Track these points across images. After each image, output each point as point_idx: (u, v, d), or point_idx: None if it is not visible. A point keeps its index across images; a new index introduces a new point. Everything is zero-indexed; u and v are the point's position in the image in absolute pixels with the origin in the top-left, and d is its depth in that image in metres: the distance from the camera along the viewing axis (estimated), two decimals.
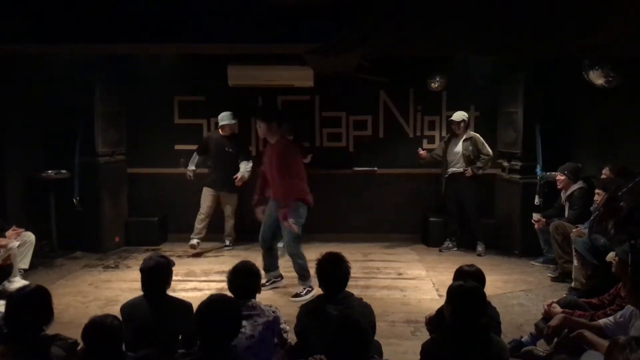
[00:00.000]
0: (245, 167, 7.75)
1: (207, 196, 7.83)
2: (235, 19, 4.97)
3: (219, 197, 7.89)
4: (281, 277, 6.38)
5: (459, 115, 7.62)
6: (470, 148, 7.58)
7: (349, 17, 4.29)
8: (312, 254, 7.18)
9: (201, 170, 8.04)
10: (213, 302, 3.09)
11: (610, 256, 4.65)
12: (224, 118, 7.77)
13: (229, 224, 8.01)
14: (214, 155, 7.85)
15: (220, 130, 7.84)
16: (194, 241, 7.72)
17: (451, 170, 7.69)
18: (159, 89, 8.36)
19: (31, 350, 3.04)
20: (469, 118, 7.77)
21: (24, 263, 6.21)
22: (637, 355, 2.43)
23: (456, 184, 7.70)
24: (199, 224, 7.79)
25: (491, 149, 7.93)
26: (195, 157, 7.96)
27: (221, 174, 7.78)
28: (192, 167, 7.92)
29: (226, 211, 7.97)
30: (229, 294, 3.58)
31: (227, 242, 8.01)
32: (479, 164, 7.55)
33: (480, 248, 7.72)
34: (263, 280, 5.54)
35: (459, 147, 7.64)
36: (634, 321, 3.48)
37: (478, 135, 7.68)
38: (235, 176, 7.66)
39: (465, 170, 7.55)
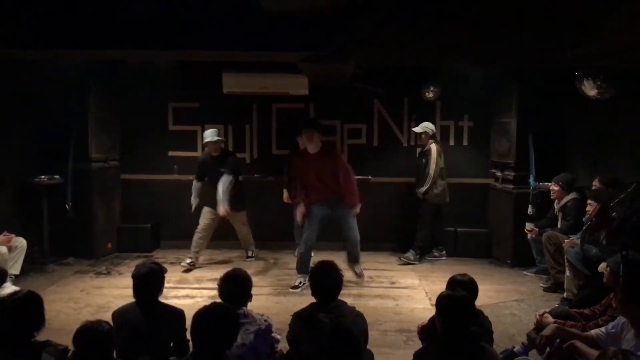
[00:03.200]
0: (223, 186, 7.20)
1: (206, 214, 7.41)
2: (230, 26, 4.98)
3: (225, 217, 7.39)
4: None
5: (420, 127, 7.69)
6: (423, 161, 7.65)
7: (343, 26, 4.31)
8: None
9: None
10: (211, 309, 3.08)
11: (602, 267, 4.67)
12: (207, 135, 7.32)
13: (245, 236, 7.75)
14: (211, 179, 7.33)
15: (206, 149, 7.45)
16: (188, 260, 7.30)
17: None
18: (153, 96, 8.36)
19: (21, 356, 3.02)
20: (433, 130, 7.72)
21: (15, 269, 6.18)
22: None
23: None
24: (198, 241, 7.43)
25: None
26: (196, 186, 7.47)
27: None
28: (196, 200, 7.40)
29: (237, 227, 7.69)
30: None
31: (250, 253, 7.81)
32: (420, 190, 7.62)
33: (409, 254, 7.78)
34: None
35: (421, 160, 7.76)
36: (626, 333, 3.48)
37: (434, 149, 7.61)
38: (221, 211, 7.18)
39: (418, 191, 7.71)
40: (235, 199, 7.34)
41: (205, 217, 7.43)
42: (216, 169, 7.27)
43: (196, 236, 7.40)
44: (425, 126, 7.68)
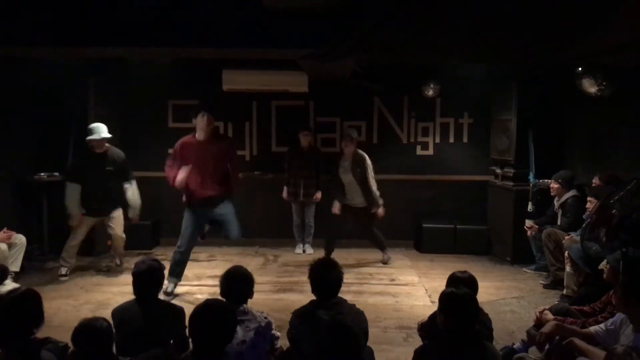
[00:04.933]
0: (134, 194, 6.90)
1: (86, 223, 6.85)
2: (230, 23, 4.97)
3: (101, 220, 6.97)
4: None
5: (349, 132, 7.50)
6: (359, 170, 7.24)
7: (343, 23, 4.31)
8: (306, 258, 7.25)
9: None
10: (209, 306, 3.08)
11: (603, 265, 4.67)
12: (96, 130, 6.61)
13: (121, 243, 7.10)
14: (93, 178, 6.68)
15: (95, 147, 6.66)
16: (64, 270, 6.76)
17: (351, 202, 7.36)
18: (153, 93, 8.36)
19: (21, 353, 3.02)
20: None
21: (15, 266, 6.17)
22: None
23: (352, 210, 7.43)
24: (74, 250, 6.88)
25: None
26: (74, 191, 6.66)
27: (104, 197, 6.80)
28: (76, 209, 6.66)
29: (116, 231, 6.97)
30: (220, 298, 3.58)
31: (119, 262, 7.18)
32: (374, 199, 7.22)
33: (385, 256, 7.63)
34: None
35: (350, 169, 7.32)
36: (625, 329, 3.49)
37: (367, 158, 7.32)
38: (130, 217, 6.92)
39: (374, 210, 7.25)
40: (113, 196, 6.89)
41: (84, 224, 6.87)
42: (103, 167, 6.71)
43: (74, 244, 6.87)
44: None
